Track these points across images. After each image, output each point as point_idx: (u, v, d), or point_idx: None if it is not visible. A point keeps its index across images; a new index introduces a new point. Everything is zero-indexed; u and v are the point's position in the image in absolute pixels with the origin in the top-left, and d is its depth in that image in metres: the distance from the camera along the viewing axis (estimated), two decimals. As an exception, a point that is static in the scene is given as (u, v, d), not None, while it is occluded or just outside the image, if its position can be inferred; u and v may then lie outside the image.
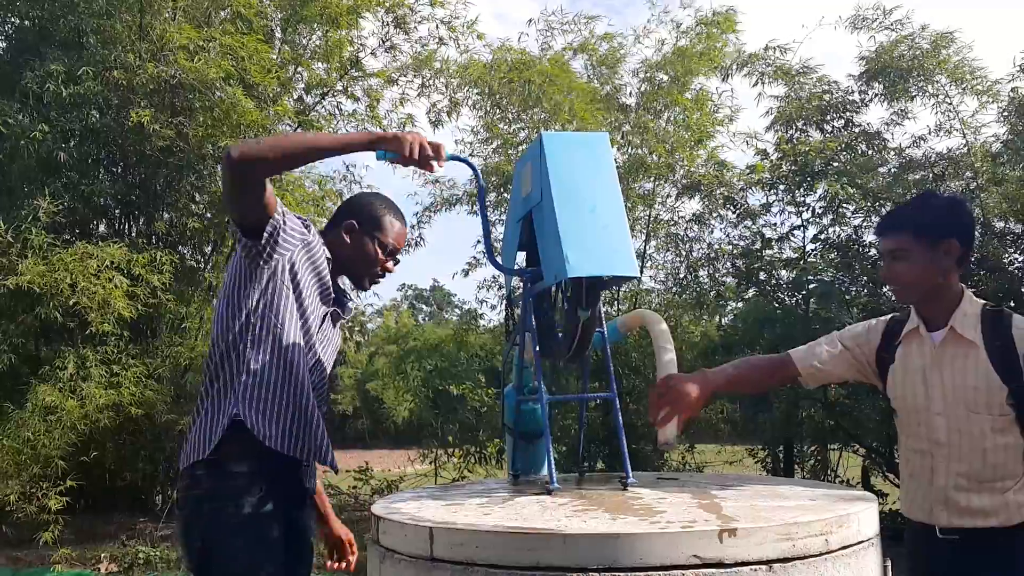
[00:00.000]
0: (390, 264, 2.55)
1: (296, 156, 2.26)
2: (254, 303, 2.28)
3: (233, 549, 2.17)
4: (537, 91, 8.71)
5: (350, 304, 2.60)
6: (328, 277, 2.45)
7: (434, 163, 2.23)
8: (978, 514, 2.34)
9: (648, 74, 9.82)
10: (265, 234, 2.23)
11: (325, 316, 2.47)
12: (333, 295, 2.50)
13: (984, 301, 2.45)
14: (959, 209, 2.49)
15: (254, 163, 2.12)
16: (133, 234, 8.66)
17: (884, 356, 2.55)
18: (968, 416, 2.34)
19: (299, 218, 2.40)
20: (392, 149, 2.20)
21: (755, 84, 9.36)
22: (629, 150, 9.54)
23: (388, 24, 8.88)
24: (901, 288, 2.48)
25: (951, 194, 2.80)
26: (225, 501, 2.20)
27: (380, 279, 2.57)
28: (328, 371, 2.56)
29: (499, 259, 2.59)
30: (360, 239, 2.50)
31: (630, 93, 10.08)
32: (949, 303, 2.43)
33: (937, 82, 8.36)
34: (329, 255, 2.47)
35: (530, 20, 10.19)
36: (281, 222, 2.26)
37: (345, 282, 2.60)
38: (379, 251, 2.50)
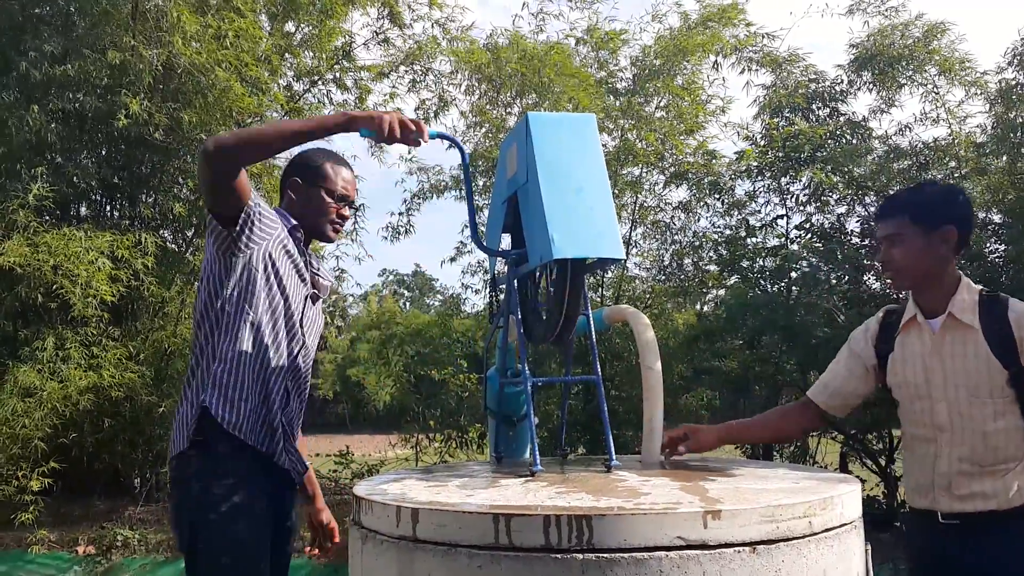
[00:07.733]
0: (346, 211, 2.57)
1: (273, 143, 2.26)
2: (229, 292, 2.30)
3: (219, 524, 2.20)
4: (547, 80, 8.65)
5: (325, 282, 2.59)
6: (300, 260, 2.46)
7: (418, 139, 2.21)
8: (979, 498, 2.38)
9: (643, 59, 9.78)
10: (239, 222, 2.25)
11: (306, 299, 2.48)
12: (308, 275, 2.51)
13: (981, 287, 2.48)
14: (957, 196, 2.52)
15: (231, 153, 2.17)
16: (116, 216, 8.57)
17: (883, 347, 2.58)
18: (969, 400, 2.38)
19: (275, 209, 2.44)
20: (370, 128, 2.18)
21: (742, 72, 9.37)
22: (619, 135, 9.50)
23: (383, 17, 8.83)
24: (896, 273, 2.49)
25: (948, 183, 2.85)
26: (211, 479, 2.24)
27: (340, 227, 2.59)
28: (313, 354, 2.56)
29: (484, 240, 2.58)
30: (307, 193, 2.53)
31: (623, 79, 10.04)
32: (946, 290, 2.44)
33: (926, 72, 8.38)
34: (300, 235, 2.48)
35: (524, 3, 10.05)
36: (256, 211, 2.28)
37: (317, 260, 2.58)
38: (327, 198, 2.52)
